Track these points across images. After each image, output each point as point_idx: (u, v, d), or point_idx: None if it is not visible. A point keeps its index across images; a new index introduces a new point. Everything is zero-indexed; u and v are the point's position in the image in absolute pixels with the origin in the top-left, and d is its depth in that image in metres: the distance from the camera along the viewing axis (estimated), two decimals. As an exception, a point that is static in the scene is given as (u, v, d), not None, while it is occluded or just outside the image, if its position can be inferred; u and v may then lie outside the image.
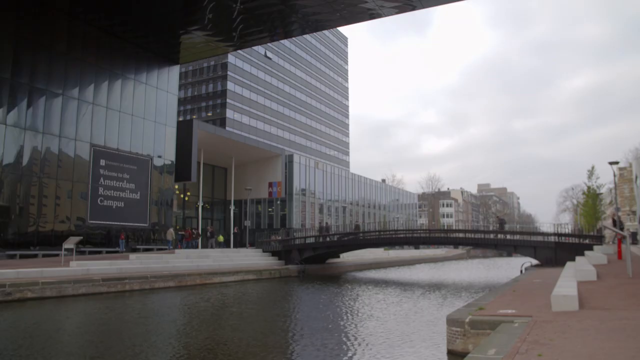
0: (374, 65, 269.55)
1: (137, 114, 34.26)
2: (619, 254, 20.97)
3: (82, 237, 25.86)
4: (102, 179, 31.02)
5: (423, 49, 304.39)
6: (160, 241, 35.17)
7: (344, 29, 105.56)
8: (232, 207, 45.35)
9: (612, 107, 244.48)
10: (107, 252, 30.35)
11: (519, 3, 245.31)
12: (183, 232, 39.45)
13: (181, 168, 36.90)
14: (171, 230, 36.25)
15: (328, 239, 36.76)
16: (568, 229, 30.90)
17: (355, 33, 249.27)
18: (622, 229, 26.50)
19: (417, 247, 69.50)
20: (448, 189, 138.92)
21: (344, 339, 11.46)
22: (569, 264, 20.81)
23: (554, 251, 27.40)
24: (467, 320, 8.78)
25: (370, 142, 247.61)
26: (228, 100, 72.26)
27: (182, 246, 36.82)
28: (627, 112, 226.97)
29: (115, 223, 31.61)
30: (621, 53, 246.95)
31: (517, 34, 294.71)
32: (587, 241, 28.74)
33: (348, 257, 43.90)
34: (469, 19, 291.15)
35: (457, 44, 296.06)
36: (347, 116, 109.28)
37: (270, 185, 48.04)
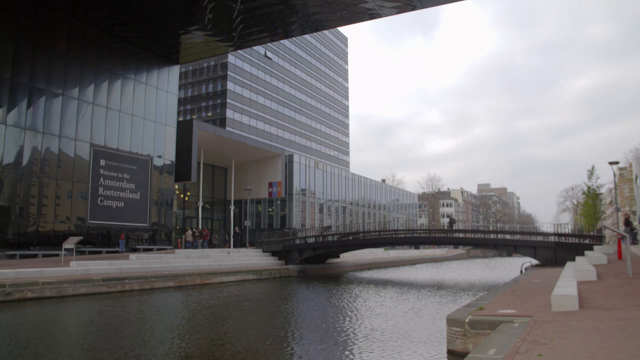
0: (379, 66, 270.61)
1: (137, 114, 34.26)
2: (619, 254, 20.97)
3: (82, 237, 25.90)
4: (102, 179, 31.01)
5: (428, 49, 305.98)
6: (161, 241, 35.18)
7: (347, 29, 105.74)
8: (232, 207, 45.36)
9: (615, 107, 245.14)
10: (107, 252, 30.35)
11: (525, 3, 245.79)
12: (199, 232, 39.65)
13: (181, 168, 36.89)
14: (189, 231, 37.15)
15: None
16: (568, 229, 30.92)
17: (362, 33, 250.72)
18: (633, 229, 26.37)
19: (417, 247, 69.55)
20: (448, 189, 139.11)
21: (344, 338, 11.46)
22: (569, 264, 20.82)
23: (554, 251, 27.40)
24: (467, 320, 8.77)
25: (375, 142, 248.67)
26: (228, 100, 72.24)
27: (200, 246, 37.47)
28: (629, 112, 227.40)
29: (115, 223, 31.61)
30: (625, 54, 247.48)
31: (522, 34, 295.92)
32: (587, 241, 28.75)
33: (348, 257, 43.91)
34: (475, 19, 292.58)
35: (463, 44, 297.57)
36: (347, 116, 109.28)
37: (270, 185, 48.03)
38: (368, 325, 13.39)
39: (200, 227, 41.28)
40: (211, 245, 40.01)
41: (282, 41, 79.69)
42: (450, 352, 9.03)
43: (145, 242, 34.11)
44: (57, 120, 29.09)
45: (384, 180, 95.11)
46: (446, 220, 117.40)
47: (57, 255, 25.47)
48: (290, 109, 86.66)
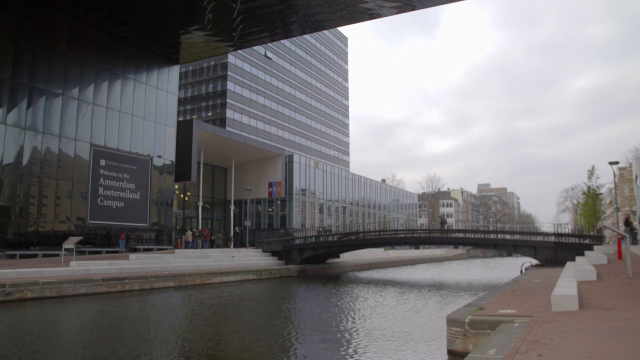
0: (379, 66, 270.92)
1: (137, 114, 34.26)
2: (619, 254, 20.99)
3: (82, 237, 25.90)
4: (102, 179, 31.01)
5: (428, 49, 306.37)
6: (161, 241, 35.18)
7: (347, 29, 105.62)
8: (232, 207, 45.36)
9: (615, 107, 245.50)
10: (107, 252, 30.35)
11: (525, 3, 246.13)
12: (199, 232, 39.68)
13: (181, 168, 36.89)
14: (189, 232, 37.27)
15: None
16: (568, 229, 30.91)
17: (362, 33, 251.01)
18: (633, 229, 26.37)
19: (417, 247, 69.55)
20: (448, 189, 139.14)
21: (344, 337, 11.46)
22: (569, 264, 20.82)
23: (554, 251, 27.40)
24: (467, 320, 8.78)
25: (375, 142, 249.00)
26: (228, 100, 72.24)
27: (200, 246, 37.49)
28: (629, 112, 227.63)
29: (115, 223, 31.60)
30: (625, 54, 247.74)
31: (522, 34, 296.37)
32: (587, 241, 28.75)
33: (348, 257, 43.90)
34: (475, 19, 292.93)
35: (463, 44, 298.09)
36: (347, 116, 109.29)
37: (270, 185, 48.03)
38: (368, 324, 13.39)
39: (200, 227, 41.29)
40: (212, 245, 40.01)
41: (282, 41, 79.66)
42: (450, 352, 9.03)
43: (145, 242, 34.10)
44: (57, 120, 29.09)
45: (384, 180, 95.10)
46: (447, 220, 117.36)
47: (57, 255, 25.47)
48: (290, 109, 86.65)
